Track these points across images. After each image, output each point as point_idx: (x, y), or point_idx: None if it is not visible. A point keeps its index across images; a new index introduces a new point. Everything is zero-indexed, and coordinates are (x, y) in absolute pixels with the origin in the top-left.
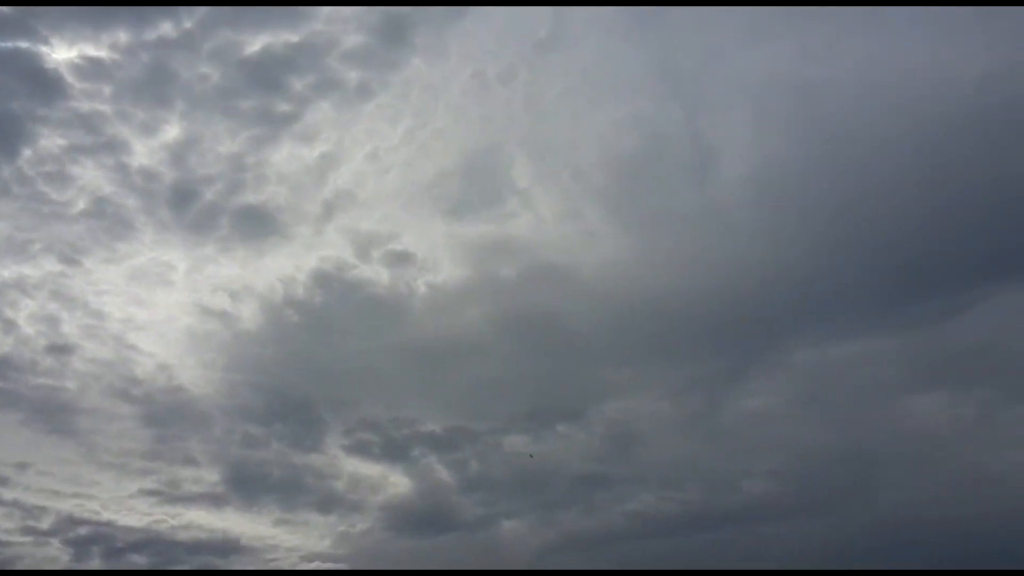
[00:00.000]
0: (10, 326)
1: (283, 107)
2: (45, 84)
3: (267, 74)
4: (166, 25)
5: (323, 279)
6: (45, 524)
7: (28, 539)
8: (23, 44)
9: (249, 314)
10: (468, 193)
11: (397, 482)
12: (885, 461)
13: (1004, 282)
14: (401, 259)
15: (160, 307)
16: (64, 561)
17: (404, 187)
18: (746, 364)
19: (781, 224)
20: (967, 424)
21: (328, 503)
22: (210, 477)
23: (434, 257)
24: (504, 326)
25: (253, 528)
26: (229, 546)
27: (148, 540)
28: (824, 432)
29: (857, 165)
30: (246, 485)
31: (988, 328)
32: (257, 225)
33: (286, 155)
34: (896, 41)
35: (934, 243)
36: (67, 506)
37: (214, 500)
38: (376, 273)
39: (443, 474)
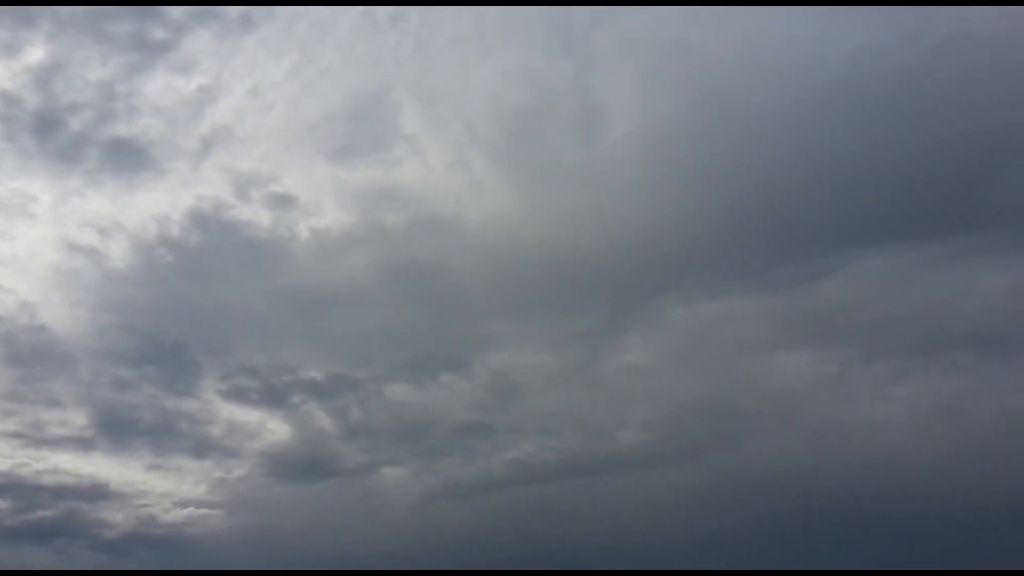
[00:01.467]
0: None
1: (159, 34)
2: None
3: None
4: None
5: (200, 218)
6: None
7: None
8: None
9: (119, 252)
10: (354, 137)
11: (276, 428)
12: (751, 414)
13: (866, 247)
14: (283, 201)
15: (22, 241)
16: None
17: (287, 126)
18: (624, 319)
19: (663, 182)
20: (828, 380)
21: (203, 449)
22: (77, 420)
23: (317, 201)
24: (388, 274)
25: (123, 473)
26: (98, 491)
27: (10, 484)
28: (695, 386)
29: (737, 130)
30: (115, 429)
31: (850, 290)
32: (129, 158)
33: (161, 85)
34: (779, 12)
35: (802, 209)
36: None
37: (81, 444)
38: (256, 215)
39: (324, 421)
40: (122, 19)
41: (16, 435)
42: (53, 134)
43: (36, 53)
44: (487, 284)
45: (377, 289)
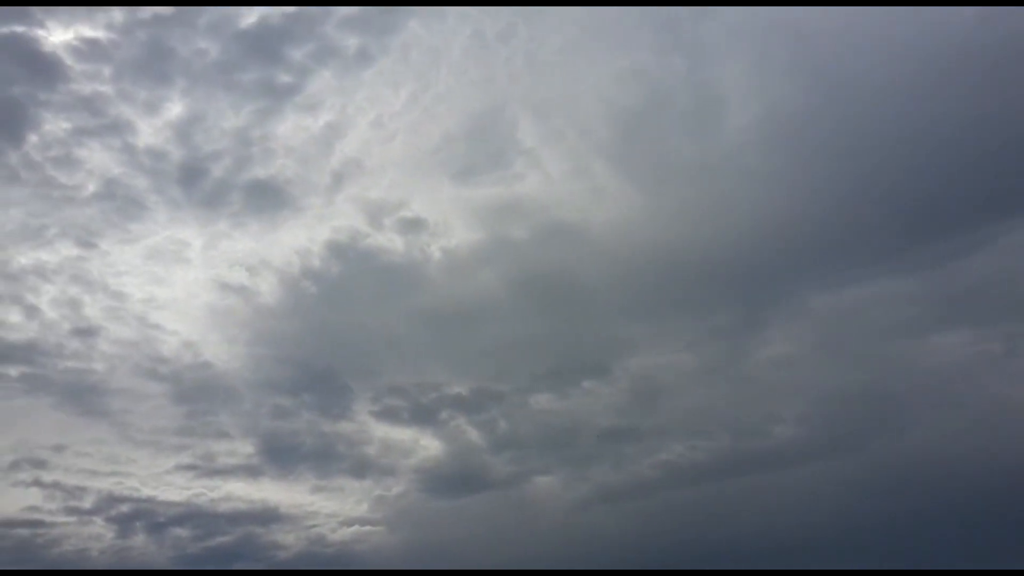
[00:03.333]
0: (33, 312)
1: (284, 78)
2: (44, 68)
3: (265, 46)
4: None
5: (338, 249)
6: (87, 503)
7: (72, 519)
8: (19, 28)
9: (268, 288)
10: (474, 156)
11: (428, 445)
12: (910, 400)
13: (1016, 217)
14: (413, 225)
15: (179, 285)
16: (109, 538)
17: (411, 153)
18: (763, 311)
19: (789, 169)
20: (992, 358)
21: (361, 468)
22: (244, 449)
23: (445, 222)
24: (520, 287)
25: (291, 496)
26: (269, 515)
27: (189, 513)
28: (846, 374)
29: (862, 107)
30: (280, 455)
31: (1006, 263)
32: (268, 199)
33: (291, 127)
34: None
35: (940, 182)
36: (106, 485)
37: (250, 471)
38: (389, 240)
39: (472, 435)
40: (249, 68)
41: (190, 467)
42: (198, 182)
43: (175, 109)
44: (618, 288)
45: (510, 302)
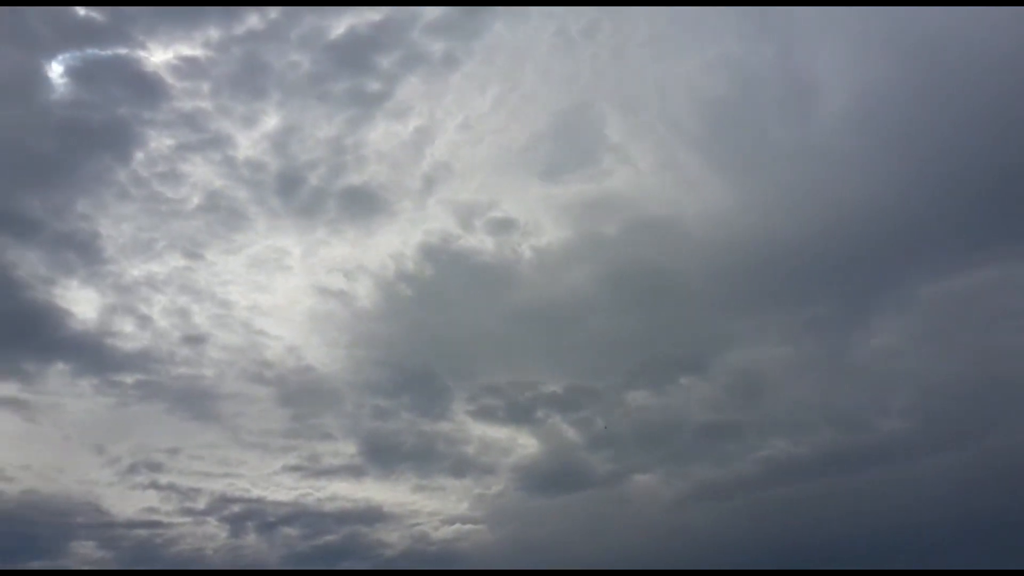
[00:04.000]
0: (146, 321)
1: (374, 86)
2: (147, 87)
3: (355, 55)
4: (253, 18)
5: (431, 252)
6: (201, 504)
7: (188, 519)
8: (122, 51)
9: (365, 292)
10: (562, 153)
11: (525, 443)
12: None
13: None
14: (504, 226)
15: (281, 292)
16: (222, 538)
17: (499, 154)
18: (867, 302)
19: (889, 153)
20: None
21: (461, 467)
22: (347, 450)
23: (535, 220)
24: (612, 283)
25: (393, 495)
26: (373, 514)
27: (297, 513)
28: (958, 365)
29: (958, 84)
30: (382, 455)
31: None
32: (362, 205)
33: (382, 133)
34: None
35: None
36: (219, 486)
37: (353, 471)
38: (481, 241)
39: (569, 433)
40: (340, 78)
41: (297, 468)
42: (295, 192)
43: (271, 121)
44: (713, 282)
45: (603, 299)
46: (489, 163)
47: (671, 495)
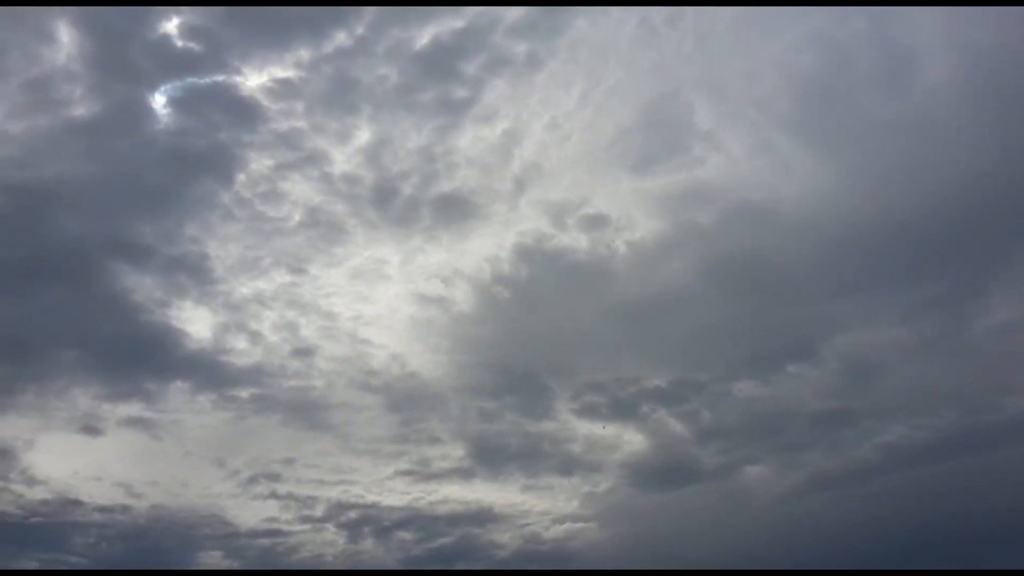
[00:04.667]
0: (257, 337)
1: (460, 93)
2: (245, 111)
3: (440, 64)
4: (340, 35)
5: (525, 253)
6: (318, 512)
7: (307, 527)
8: (219, 78)
9: (463, 296)
10: (651, 145)
11: (632, 440)
12: None
13: None
14: (596, 222)
15: (382, 301)
16: (341, 543)
17: (587, 150)
18: (982, 277)
19: (996, 122)
20: None
21: (568, 466)
22: (455, 453)
23: (628, 215)
24: (711, 273)
25: (503, 496)
26: (484, 515)
27: (411, 517)
28: None
29: None
30: (489, 457)
31: None
32: (456, 210)
33: (470, 139)
34: None
35: None
36: (334, 493)
37: (463, 474)
38: (574, 240)
39: (676, 427)
40: (427, 88)
41: (408, 472)
42: (390, 202)
43: (363, 135)
44: (817, 266)
45: (702, 290)
46: (578, 160)
47: (785, 486)
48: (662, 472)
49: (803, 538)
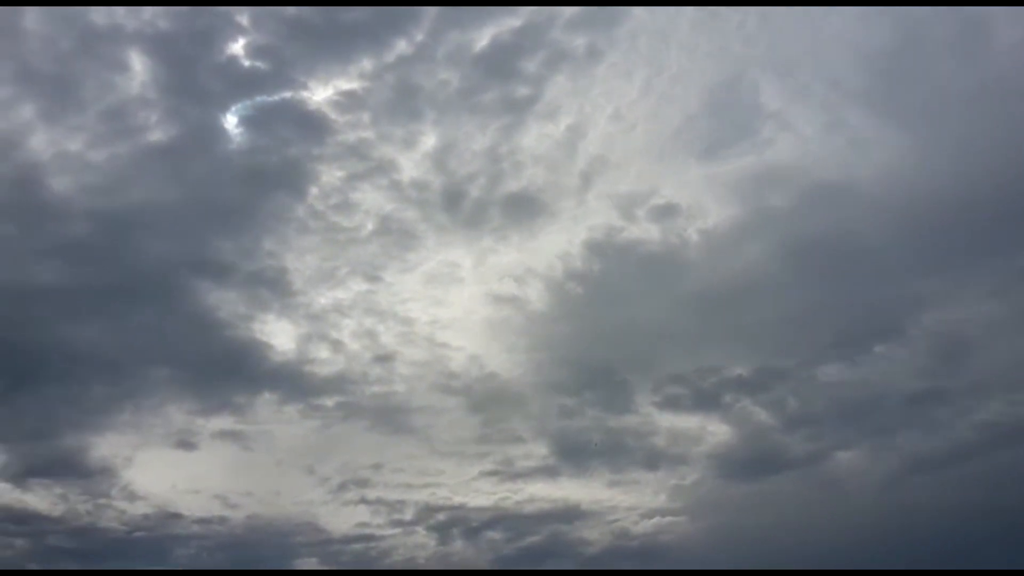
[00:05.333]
0: (339, 345)
1: (522, 91)
2: (313, 125)
3: (500, 64)
4: (400, 43)
5: (596, 248)
6: (408, 515)
7: (397, 531)
8: (287, 94)
9: (536, 295)
10: (719, 130)
11: (716, 430)
12: None
13: None
14: (666, 212)
15: (457, 304)
16: (432, 546)
17: (653, 139)
18: None
19: None
20: None
21: (653, 460)
22: (539, 451)
23: (699, 203)
24: (788, 257)
25: (589, 493)
26: (572, 512)
27: (498, 517)
28: None
29: None
30: (572, 454)
31: None
32: (524, 209)
33: (534, 136)
34: None
35: None
36: (422, 496)
37: (547, 472)
38: (645, 231)
39: (761, 415)
40: (489, 89)
41: (493, 472)
42: (459, 205)
43: (429, 140)
44: (899, 243)
45: (780, 275)
46: (644, 150)
47: (880, 471)
48: (750, 462)
49: (905, 523)
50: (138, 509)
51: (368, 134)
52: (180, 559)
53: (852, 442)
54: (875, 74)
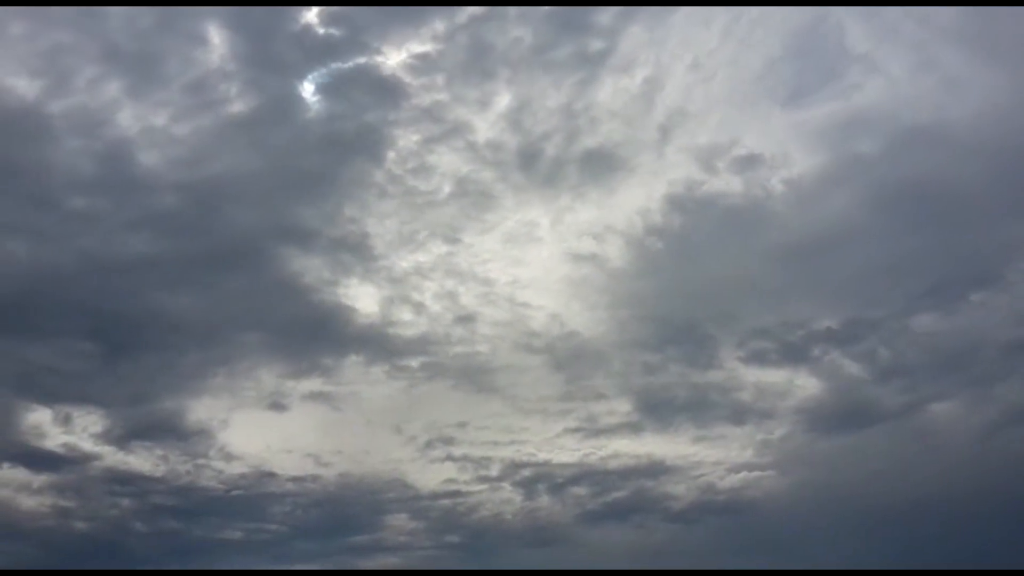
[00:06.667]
0: (420, 308)
1: (596, 45)
2: (388, 89)
3: (572, 18)
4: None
5: (676, 202)
6: (494, 471)
7: (484, 487)
8: (361, 60)
9: (616, 251)
10: (803, 75)
11: (804, 384)
12: None
13: None
14: (749, 162)
15: (536, 263)
16: (518, 501)
17: (734, 88)
18: None
19: None
20: None
21: (739, 415)
22: (621, 408)
23: (783, 152)
24: (878, 205)
25: (674, 448)
26: (657, 468)
27: (583, 473)
28: None
29: None
30: (656, 410)
31: None
32: (602, 165)
33: (610, 91)
34: None
35: None
36: (507, 453)
37: (631, 428)
38: (727, 183)
39: (851, 368)
40: (562, 44)
41: (577, 429)
42: (536, 164)
43: (503, 100)
44: (994, 187)
45: (870, 223)
46: (725, 99)
47: (978, 422)
48: (840, 415)
49: (1001, 476)
50: (234, 469)
51: (442, 96)
52: (276, 516)
53: (948, 393)
54: (967, 9)
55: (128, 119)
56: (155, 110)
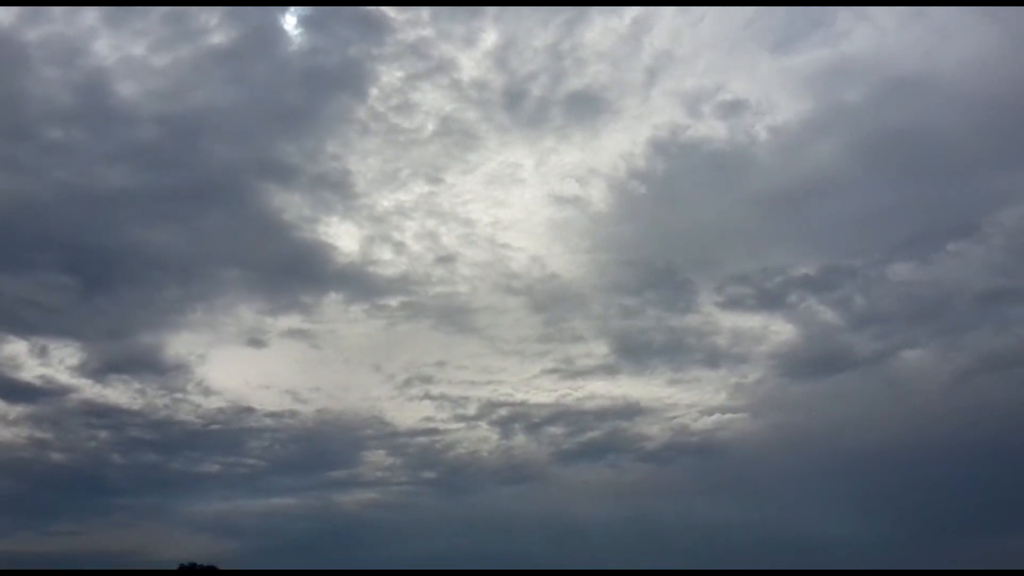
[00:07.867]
0: (400, 247)
1: None
2: (372, 23)
3: None
4: None
5: (660, 146)
6: (471, 410)
7: (461, 425)
8: None
9: (599, 195)
10: (792, 21)
11: (779, 330)
12: None
13: None
14: (734, 108)
15: (518, 205)
16: (494, 440)
17: (722, 31)
18: None
19: None
20: None
21: (714, 359)
22: (599, 350)
23: (768, 98)
24: (861, 154)
25: (649, 390)
26: (631, 409)
27: (559, 413)
28: None
29: None
30: (633, 353)
31: None
32: (587, 107)
33: (598, 31)
34: None
35: None
36: (485, 393)
37: (608, 370)
38: (711, 128)
39: (826, 315)
40: None
41: (554, 370)
42: (520, 105)
43: (489, 38)
44: (978, 137)
45: (851, 172)
46: (713, 43)
47: (948, 370)
48: (814, 361)
49: (973, 422)
50: (212, 403)
51: (427, 32)
52: (254, 450)
53: (920, 341)
54: None
55: (105, 48)
56: (133, 39)
